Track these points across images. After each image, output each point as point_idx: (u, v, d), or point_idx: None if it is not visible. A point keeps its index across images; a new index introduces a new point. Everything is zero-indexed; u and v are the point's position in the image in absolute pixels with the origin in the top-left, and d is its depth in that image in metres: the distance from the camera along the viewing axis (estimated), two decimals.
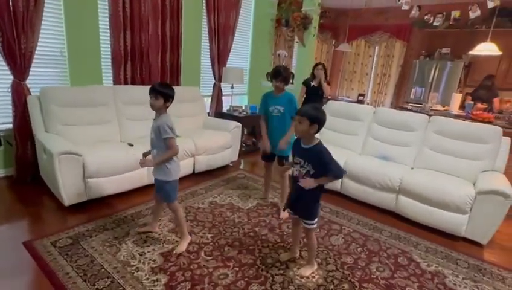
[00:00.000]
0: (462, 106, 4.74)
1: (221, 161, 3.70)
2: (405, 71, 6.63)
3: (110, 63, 3.43)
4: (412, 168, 3.07)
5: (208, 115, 4.46)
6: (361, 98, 6.84)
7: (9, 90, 2.81)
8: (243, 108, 4.61)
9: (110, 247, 2.09)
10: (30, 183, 2.97)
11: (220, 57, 4.51)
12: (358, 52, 7.28)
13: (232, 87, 4.52)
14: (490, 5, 4.21)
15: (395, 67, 6.75)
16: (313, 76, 4.18)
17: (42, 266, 1.87)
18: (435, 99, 5.22)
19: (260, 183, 3.42)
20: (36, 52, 2.83)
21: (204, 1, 4.19)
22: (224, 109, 4.71)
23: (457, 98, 4.61)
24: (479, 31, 5.15)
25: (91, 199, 2.60)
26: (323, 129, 1.80)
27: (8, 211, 2.51)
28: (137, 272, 1.88)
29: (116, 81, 3.47)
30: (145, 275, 1.86)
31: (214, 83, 4.65)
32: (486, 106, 4.38)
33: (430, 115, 3.34)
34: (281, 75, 2.54)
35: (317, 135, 1.80)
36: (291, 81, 2.67)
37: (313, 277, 1.97)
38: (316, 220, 1.90)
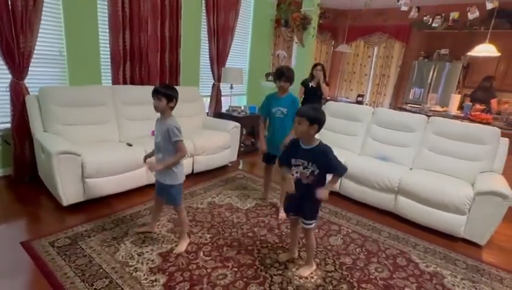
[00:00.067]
0: (461, 107, 4.76)
1: (220, 161, 3.70)
2: (404, 72, 6.64)
3: (109, 63, 3.42)
4: (411, 169, 3.07)
5: (207, 115, 4.46)
6: (360, 98, 6.85)
7: (8, 89, 2.80)
8: (242, 108, 4.61)
9: (109, 247, 2.09)
10: (28, 183, 2.96)
11: (219, 57, 4.51)
12: (358, 53, 7.28)
13: (231, 88, 4.52)
14: (489, 6, 4.22)
15: (394, 68, 6.76)
16: (312, 76, 4.18)
17: (40, 266, 1.87)
18: (433, 100, 5.23)
19: (259, 183, 3.42)
20: (35, 51, 2.83)
21: (203, 1, 4.19)
22: (223, 109, 4.71)
23: (456, 99, 4.63)
24: (478, 32, 5.17)
25: (89, 199, 2.59)
26: (322, 130, 1.80)
27: (6, 210, 2.50)
28: (135, 272, 1.87)
29: (115, 81, 3.47)
30: (144, 275, 1.85)
31: (213, 83, 4.65)
32: (484, 107, 4.40)
33: (428, 116, 3.34)
34: (284, 75, 2.52)
35: (316, 136, 1.80)
36: None
37: (312, 277, 1.97)
38: (315, 220, 1.91)
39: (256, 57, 5.47)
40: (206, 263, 2.02)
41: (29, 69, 2.83)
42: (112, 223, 2.39)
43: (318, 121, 1.71)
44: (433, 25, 5.78)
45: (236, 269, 1.98)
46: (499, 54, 4.18)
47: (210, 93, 4.70)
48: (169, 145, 1.94)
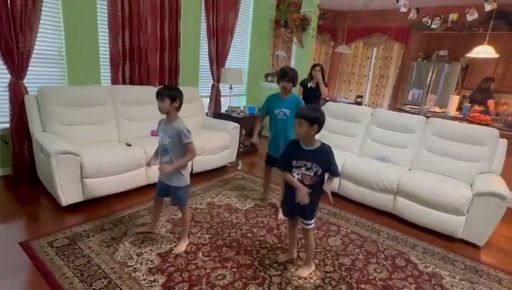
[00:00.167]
0: (460, 108, 4.77)
1: (219, 161, 3.70)
2: (403, 73, 6.66)
3: (108, 63, 3.42)
4: (410, 170, 3.08)
5: (206, 116, 4.45)
6: (359, 99, 6.86)
7: (7, 89, 2.80)
8: (242, 109, 4.61)
9: (108, 247, 2.09)
10: (27, 183, 2.95)
11: (218, 58, 4.51)
12: (357, 54, 7.30)
13: (231, 88, 4.52)
14: (487, 8, 4.24)
15: (393, 69, 6.78)
16: (311, 77, 4.19)
17: (39, 266, 1.86)
18: (432, 101, 5.25)
19: (258, 184, 3.42)
20: (34, 51, 2.82)
21: (203, 1, 4.19)
22: (223, 110, 4.71)
23: (454, 100, 4.64)
24: (477, 33, 5.19)
25: (88, 199, 2.58)
26: (321, 130, 1.80)
27: (4, 210, 2.49)
28: (134, 272, 1.87)
29: (114, 81, 3.46)
30: (143, 275, 1.85)
31: (213, 84, 4.65)
32: (483, 108, 4.41)
33: (427, 117, 3.35)
34: (287, 75, 2.51)
35: (316, 136, 1.80)
36: None
37: (311, 277, 1.97)
38: (314, 220, 1.91)
39: (256, 57, 5.48)
40: (205, 263, 2.01)
41: (28, 68, 2.83)
42: (110, 223, 2.38)
43: (318, 121, 1.71)
44: (432, 26, 5.80)
45: (235, 270, 1.98)
46: (497, 56, 4.20)
47: (209, 94, 4.70)
48: (179, 148, 1.93)
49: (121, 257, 1.99)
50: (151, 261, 1.98)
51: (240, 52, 5.23)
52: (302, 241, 2.16)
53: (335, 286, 1.92)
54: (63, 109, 2.85)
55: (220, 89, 4.70)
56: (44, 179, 2.72)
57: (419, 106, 5.24)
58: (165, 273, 1.88)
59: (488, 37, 4.12)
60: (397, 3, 4.77)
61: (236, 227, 2.50)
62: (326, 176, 1.84)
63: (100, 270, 1.86)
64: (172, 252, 2.09)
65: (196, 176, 3.44)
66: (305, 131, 1.72)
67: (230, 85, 4.47)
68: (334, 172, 1.82)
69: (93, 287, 1.73)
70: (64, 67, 3.18)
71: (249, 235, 2.40)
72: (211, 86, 4.68)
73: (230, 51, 4.69)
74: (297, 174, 1.80)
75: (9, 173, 3.00)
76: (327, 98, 5.01)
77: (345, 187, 3.14)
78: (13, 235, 2.18)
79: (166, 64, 3.92)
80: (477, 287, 2.05)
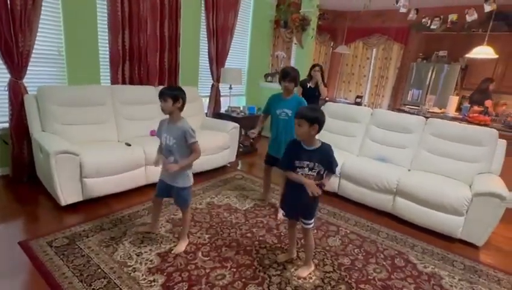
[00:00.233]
0: (459, 109, 4.77)
1: (219, 161, 3.70)
2: (402, 73, 6.66)
3: (108, 63, 3.42)
4: (409, 170, 3.08)
5: (206, 116, 4.45)
6: (358, 100, 6.86)
7: (6, 88, 2.79)
8: (241, 109, 4.61)
9: (107, 247, 2.08)
10: (26, 183, 2.95)
11: (218, 58, 4.51)
12: (356, 54, 7.30)
13: (230, 88, 4.52)
14: (487, 8, 4.25)
15: (393, 70, 6.78)
16: (310, 77, 4.19)
17: (38, 266, 1.86)
18: (431, 102, 5.25)
19: (258, 184, 3.42)
20: (34, 50, 2.82)
21: (203, 1, 4.19)
22: (222, 110, 4.71)
23: (454, 101, 4.64)
24: (476, 34, 5.19)
25: (88, 198, 2.58)
26: (321, 131, 1.80)
27: (4, 210, 2.49)
28: (134, 272, 1.87)
29: (114, 80, 3.46)
30: (142, 275, 1.85)
31: (212, 84, 4.65)
32: (482, 109, 4.41)
33: (427, 117, 3.36)
34: (289, 75, 2.50)
35: (316, 136, 1.80)
36: None
37: (310, 277, 1.97)
38: (313, 219, 1.91)
39: (256, 57, 5.48)
40: (204, 263, 2.01)
41: (28, 68, 2.82)
42: (110, 223, 2.38)
43: (318, 121, 1.71)
44: (432, 27, 5.80)
45: (234, 270, 1.98)
46: (496, 56, 4.20)
47: (209, 94, 4.70)
48: (184, 148, 1.93)
49: (121, 257, 1.99)
50: (151, 261, 1.98)
51: (240, 52, 5.23)
52: (302, 241, 2.16)
53: (334, 286, 1.92)
54: (63, 108, 2.85)
55: (220, 89, 4.70)
56: (44, 179, 2.72)
57: (419, 107, 5.24)
58: (165, 273, 1.88)
59: (487, 38, 4.12)
60: (397, 3, 4.78)
61: (236, 227, 2.50)
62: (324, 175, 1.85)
63: (99, 270, 1.86)
64: (172, 252, 2.08)
65: (196, 176, 3.39)
66: (306, 131, 1.72)
67: (230, 85, 4.47)
68: (333, 170, 1.83)
69: (92, 287, 1.73)
70: (64, 66, 3.18)
71: (249, 235, 2.40)
72: (210, 86, 4.68)
73: (230, 51, 4.69)
74: (301, 174, 1.80)
75: (9, 173, 3.00)
76: (327, 99, 5.01)
77: (345, 187, 3.14)
78: (12, 235, 2.18)
79: (166, 64, 3.92)
80: (477, 287, 2.05)
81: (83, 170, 2.48)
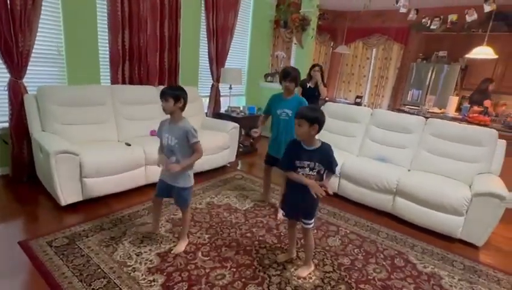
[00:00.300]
0: (459, 109, 4.78)
1: (218, 161, 3.70)
2: (402, 74, 6.66)
3: (108, 63, 3.42)
4: (409, 170, 3.09)
5: (206, 116, 4.45)
6: (358, 100, 6.86)
7: (6, 88, 2.79)
8: (241, 109, 4.61)
9: (107, 247, 2.08)
10: (26, 183, 2.95)
11: (218, 58, 4.51)
12: (356, 54, 7.30)
13: (230, 88, 4.52)
14: (487, 9, 4.25)
15: (393, 70, 6.79)
16: (310, 77, 4.19)
17: (38, 266, 1.86)
18: (431, 102, 5.25)
19: (258, 184, 3.42)
20: (33, 50, 2.82)
21: (203, 1, 4.19)
22: (222, 110, 4.71)
23: (453, 101, 4.64)
24: (476, 34, 5.19)
25: (88, 198, 2.58)
26: (321, 131, 1.80)
27: (3, 210, 2.49)
28: (133, 272, 1.87)
29: (114, 80, 3.46)
30: (142, 275, 1.85)
31: (212, 84, 4.65)
32: (482, 109, 4.42)
33: (426, 118, 3.36)
34: (290, 75, 2.49)
35: (316, 136, 1.80)
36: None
37: (310, 277, 1.97)
38: (313, 219, 1.91)
39: (256, 57, 5.48)
40: (204, 263, 2.01)
41: (28, 68, 2.82)
42: (110, 223, 2.38)
43: (318, 121, 1.71)
44: (432, 27, 5.81)
45: (234, 270, 1.98)
46: (496, 57, 4.21)
47: (209, 94, 4.70)
48: (187, 148, 1.93)
49: (120, 257, 1.99)
50: (151, 261, 1.98)
51: (240, 52, 5.23)
52: (302, 241, 2.16)
53: (334, 286, 1.92)
54: (63, 108, 2.85)
55: (220, 89, 4.70)
56: (44, 179, 2.72)
57: (419, 107, 5.24)
58: (165, 273, 1.88)
59: (487, 38, 4.12)
60: (397, 3, 4.78)
61: (236, 227, 2.50)
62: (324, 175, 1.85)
63: (99, 270, 1.86)
64: (172, 252, 2.08)
65: (196, 176, 3.38)
66: (306, 131, 1.72)
67: (230, 85, 4.47)
68: (333, 170, 1.83)
69: (92, 286, 1.73)
70: (64, 66, 3.18)
71: (249, 235, 2.40)
72: (210, 86, 4.68)
73: (230, 51, 4.69)
74: (302, 174, 1.80)
75: (9, 173, 3.00)
76: (326, 99, 5.01)
77: (345, 187, 3.14)
78: (12, 234, 2.18)
79: (166, 64, 3.91)
80: (476, 287, 2.05)
81: (83, 170, 2.48)
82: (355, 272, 2.08)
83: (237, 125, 3.90)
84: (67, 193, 2.45)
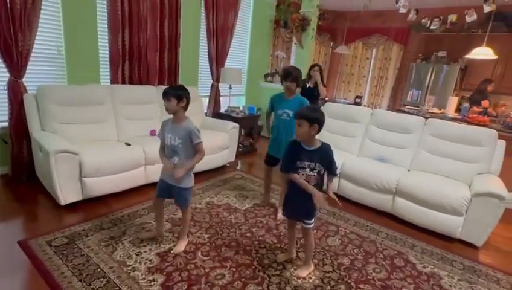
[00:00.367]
0: (458, 109, 4.78)
1: (218, 161, 3.70)
2: (402, 74, 6.67)
3: (108, 62, 3.42)
4: (409, 170, 3.09)
5: (206, 115, 4.45)
6: (358, 100, 6.87)
7: (6, 88, 2.79)
8: (241, 109, 4.61)
9: (106, 246, 2.08)
10: (25, 182, 2.94)
11: (218, 58, 4.51)
12: (356, 55, 7.31)
13: (230, 88, 4.52)
14: (486, 9, 4.26)
15: (392, 70, 6.79)
16: (309, 77, 4.19)
17: (37, 266, 1.86)
18: (431, 102, 5.25)
19: (257, 184, 3.42)
20: (33, 50, 2.81)
21: (203, 1, 4.19)
22: (222, 110, 4.71)
23: (453, 101, 4.65)
24: (475, 35, 5.20)
25: (87, 198, 2.58)
26: (321, 131, 1.80)
27: (3, 209, 2.48)
28: (133, 272, 1.87)
29: (114, 80, 3.46)
30: (142, 275, 1.85)
31: (212, 84, 4.65)
32: (481, 110, 4.42)
33: (426, 118, 3.36)
34: (291, 75, 2.47)
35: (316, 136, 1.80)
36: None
37: (310, 277, 1.97)
38: (313, 219, 1.92)
39: (255, 57, 5.48)
40: (204, 263, 2.01)
41: (28, 67, 2.82)
42: (109, 222, 2.38)
43: (318, 121, 1.71)
44: (431, 27, 5.81)
45: (234, 269, 1.98)
46: (496, 57, 4.21)
47: (209, 94, 4.70)
48: (190, 148, 1.93)
49: (120, 256, 1.99)
50: (150, 260, 1.98)
51: (240, 52, 5.23)
52: (301, 241, 2.16)
53: (334, 285, 1.92)
54: (62, 107, 2.85)
55: (220, 88, 4.70)
56: (43, 178, 2.71)
57: (418, 107, 5.25)
58: (164, 273, 1.88)
59: (486, 39, 4.13)
60: (396, 4, 4.78)
61: (236, 227, 2.50)
62: (325, 178, 1.85)
63: (99, 270, 1.86)
64: (172, 251, 2.08)
65: (195, 176, 3.37)
66: (306, 131, 1.72)
67: (230, 85, 4.47)
68: (333, 171, 1.84)
69: (92, 286, 1.72)
70: (64, 66, 3.18)
71: (248, 235, 2.40)
72: (210, 86, 4.68)
73: (229, 51, 4.69)
74: (302, 174, 1.79)
75: (8, 172, 3.00)
76: (326, 99, 5.02)
77: (344, 187, 3.14)
78: (12, 234, 2.17)
79: (166, 63, 3.91)
80: (476, 287, 2.05)
81: (83, 169, 2.48)
82: (355, 272, 2.08)
83: (237, 125, 3.90)
84: (66, 193, 2.45)
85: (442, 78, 5.92)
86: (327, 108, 3.80)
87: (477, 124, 3.53)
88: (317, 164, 1.77)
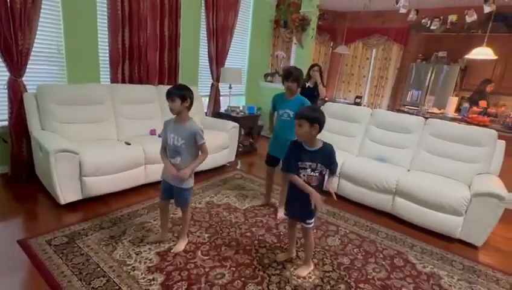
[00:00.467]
0: (458, 109, 4.78)
1: (218, 161, 3.69)
2: (402, 74, 6.67)
3: (108, 62, 3.41)
4: (409, 170, 3.09)
5: (206, 115, 4.45)
6: (358, 100, 6.87)
7: (6, 87, 2.79)
8: (241, 108, 4.61)
9: (106, 246, 2.08)
10: (25, 182, 2.94)
11: (218, 57, 4.51)
12: (356, 55, 7.31)
13: (230, 88, 4.52)
14: (486, 9, 4.26)
15: (392, 70, 6.79)
16: (309, 77, 4.19)
17: (37, 265, 1.85)
18: (431, 102, 5.25)
19: (257, 183, 3.42)
20: (33, 49, 2.81)
21: (203, 1, 4.19)
22: (222, 109, 4.71)
23: (453, 102, 4.65)
24: (475, 35, 5.20)
25: (87, 197, 2.58)
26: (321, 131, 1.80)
27: (3, 209, 2.48)
28: (133, 271, 1.87)
29: (114, 79, 3.46)
30: (141, 274, 1.85)
31: (212, 83, 4.65)
32: (481, 110, 4.42)
33: (426, 118, 3.36)
34: (292, 75, 2.46)
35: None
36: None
37: (310, 277, 1.97)
38: (314, 219, 1.92)
39: (255, 57, 5.48)
40: (204, 262, 2.01)
41: (28, 66, 2.82)
42: (109, 221, 2.38)
43: (318, 121, 1.71)
44: (432, 27, 5.81)
45: (234, 269, 1.98)
46: (496, 57, 4.21)
47: (209, 93, 4.70)
48: (193, 149, 1.93)
49: (120, 256, 1.99)
50: (150, 260, 1.98)
51: (240, 52, 5.23)
52: (301, 240, 2.16)
53: (334, 285, 1.93)
54: (62, 107, 2.84)
55: (220, 88, 4.70)
56: (43, 178, 2.71)
57: (418, 107, 5.25)
58: (164, 272, 1.88)
59: (486, 39, 4.13)
60: (396, 4, 4.78)
61: (236, 226, 2.50)
62: (325, 176, 1.85)
63: (99, 269, 1.86)
64: (172, 251, 2.08)
65: (195, 175, 3.38)
66: (306, 131, 1.72)
67: (230, 85, 4.47)
68: (335, 171, 1.84)
69: (91, 285, 1.72)
70: (64, 65, 3.17)
71: (248, 234, 2.40)
72: (210, 86, 4.68)
73: (229, 51, 4.69)
74: (303, 175, 1.79)
75: (8, 171, 2.99)
76: (326, 99, 5.02)
77: (344, 187, 3.14)
78: (12, 233, 2.17)
79: (166, 63, 3.91)
80: (475, 287, 2.05)
81: (83, 169, 2.48)
82: (355, 271, 2.08)
83: (237, 124, 3.90)
84: (66, 192, 2.45)
85: (442, 78, 5.93)
86: (327, 108, 3.80)
87: (477, 124, 3.53)
88: (319, 165, 1.76)
